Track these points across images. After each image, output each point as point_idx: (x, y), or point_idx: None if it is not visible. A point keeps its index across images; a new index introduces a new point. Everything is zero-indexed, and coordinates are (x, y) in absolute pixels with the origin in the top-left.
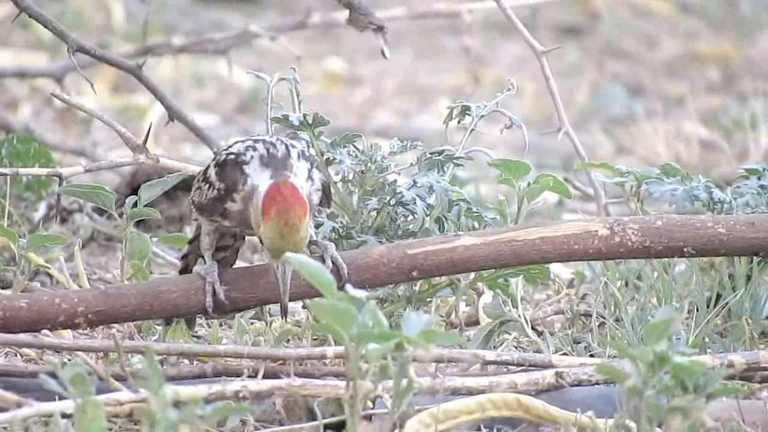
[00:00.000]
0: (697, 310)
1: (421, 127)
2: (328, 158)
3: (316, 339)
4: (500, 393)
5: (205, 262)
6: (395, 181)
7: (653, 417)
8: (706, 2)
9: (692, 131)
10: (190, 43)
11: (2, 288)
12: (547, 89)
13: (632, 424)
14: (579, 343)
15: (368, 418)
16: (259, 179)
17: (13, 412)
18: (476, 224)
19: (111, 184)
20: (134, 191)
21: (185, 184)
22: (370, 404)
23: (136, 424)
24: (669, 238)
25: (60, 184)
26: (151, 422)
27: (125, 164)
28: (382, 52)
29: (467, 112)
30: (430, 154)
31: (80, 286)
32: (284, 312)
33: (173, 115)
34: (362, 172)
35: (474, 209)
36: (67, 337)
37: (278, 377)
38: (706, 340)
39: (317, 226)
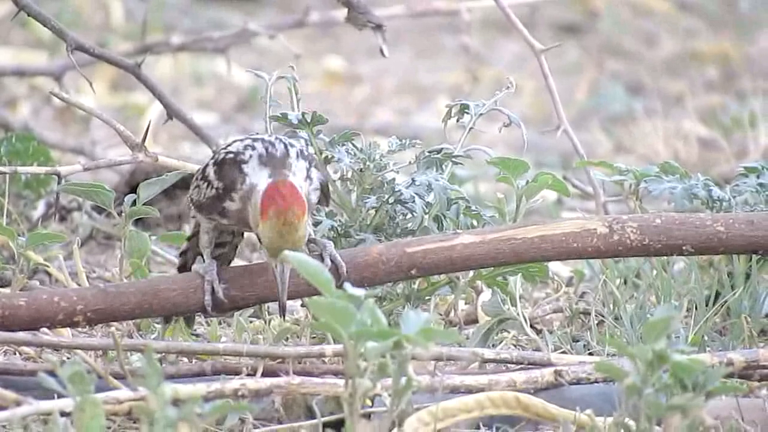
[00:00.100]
0: (696, 308)
1: (420, 126)
2: (327, 157)
3: (314, 337)
4: (499, 391)
5: (203, 261)
6: (394, 179)
7: (652, 415)
8: (706, 1)
9: (691, 130)
10: (189, 42)
11: (1, 286)
12: (546, 88)
13: (631, 423)
14: (578, 341)
15: (367, 416)
16: (258, 178)
17: (12, 410)
18: (475, 222)
19: (110, 183)
20: (133, 190)
21: (184, 183)
22: (369, 402)
23: (135, 423)
24: (668, 236)
25: (59, 183)
26: (150, 420)
27: (124, 163)
28: (381, 51)
29: (466, 110)
30: (429, 152)
31: (79, 285)
32: (282, 311)
33: (172, 113)
34: (361, 170)
35: (473, 207)
36: (66, 335)
37: (277, 375)
38: (705, 338)
39: (316, 224)
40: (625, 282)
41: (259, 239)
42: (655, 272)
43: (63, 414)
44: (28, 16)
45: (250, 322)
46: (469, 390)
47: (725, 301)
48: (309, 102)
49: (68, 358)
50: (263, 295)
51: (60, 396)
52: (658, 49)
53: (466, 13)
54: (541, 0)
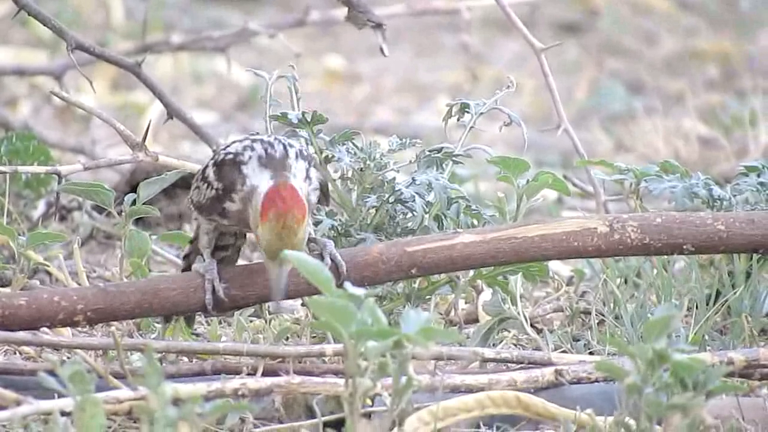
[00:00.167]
0: (697, 307)
1: (420, 125)
2: (327, 156)
3: (315, 337)
4: (499, 390)
5: (204, 260)
6: (394, 178)
7: (653, 414)
8: None
9: (692, 128)
10: (189, 41)
11: (1, 286)
12: (546, 86)
13: (632, 422)
14: (578, 340)
15: (367, 415)
16: (258, 180)
17: (13, 410)
18: (475, 222)
19: (110, 182)
20: (133, 189)
21: (184, 182)
22: (369, 402)
23: (135, 422)
24: (668, 235)
25: (59, 182)
26: (151, 420)
27: (124, 162)
28: (381, 50)
29: (466, 109)
30: (429, 151)
31: (79, 284)
32: (277, 311)
33: (172, 112)
34: (361, 169)
35: (473, 207)
36: (66, 335)
37: (277, 375)
38: (706, 337)
39: (316, 223)
40: (626, 281)
41: (258, 241)
42: (655, 271)
43: (63, 413)
44: (29, 15)
45: (251, 321)
46: (470, 389)
47: (726, 300)
48: (309, 101)
49: (68, 358)
50: (263, 294)
51: (60, 395)
52: (659, 48)
53: (466, 11)
54: None
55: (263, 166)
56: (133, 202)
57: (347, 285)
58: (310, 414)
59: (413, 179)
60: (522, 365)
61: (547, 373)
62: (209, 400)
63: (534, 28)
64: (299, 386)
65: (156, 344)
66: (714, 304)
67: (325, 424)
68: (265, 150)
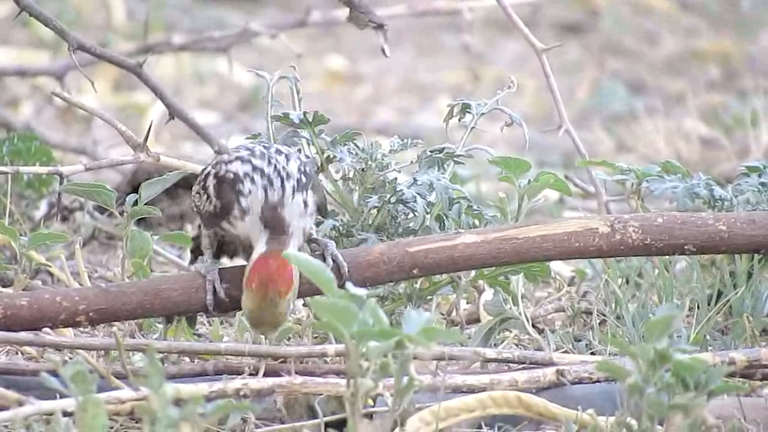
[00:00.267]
0: (698, 307)
1: (422, 125)
2: (329, 156)
3: (316, 337)
4: (501, 391)
5: (205, 260)
6: (396, 179)
7: (654, 414)
8: None
9: (693, 128)
10: (190, 42)
11: (3, 286)
12: (548, 87)
13: (633, 422)
14: (580, 340)
15: (369, 416)
16: (256, 236)
17: (15, 410)
18: (477, 222)
19: (112, 183)
20: (135, 189)
21: (186, 182)
22: (370, 402)
23: (137, 422)
24: (670, 235)
25: (61, 183)
26: (152, 420)
27: (126, 162)
28: (383, 50)
29: (467, 109)
30: (431, 151)
31: (81, 285)
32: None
33: (174, 113)
34: (363, 170)
35: (474, 207)
36: (68, 335)
37: (279, 375)
38: (707, 337)
39: (318, 224)
40: (627, 281)
41: (242, 305)
42: (656, 271)
43: (65, 414)
44: (30, 16)
45: None
46: (471, 389)
47: (727, 301)
48: (310, 101)
49: (70, 358)
50: None
51: (62, 396)
52: (660, 48)
53: (468, 12)
54: None
55: (262, 220)
56: (135, 203)
57: (349, 285)
58: (312, 414)
59: (415, 179)
60: (523, 365)
61: (548, 373)
62: (211, 401)
63: (535, 29)
64: (301, 386)
65: (158, 344)
66: (715, 304)
67: (327, 425)
68: (265, 190)
